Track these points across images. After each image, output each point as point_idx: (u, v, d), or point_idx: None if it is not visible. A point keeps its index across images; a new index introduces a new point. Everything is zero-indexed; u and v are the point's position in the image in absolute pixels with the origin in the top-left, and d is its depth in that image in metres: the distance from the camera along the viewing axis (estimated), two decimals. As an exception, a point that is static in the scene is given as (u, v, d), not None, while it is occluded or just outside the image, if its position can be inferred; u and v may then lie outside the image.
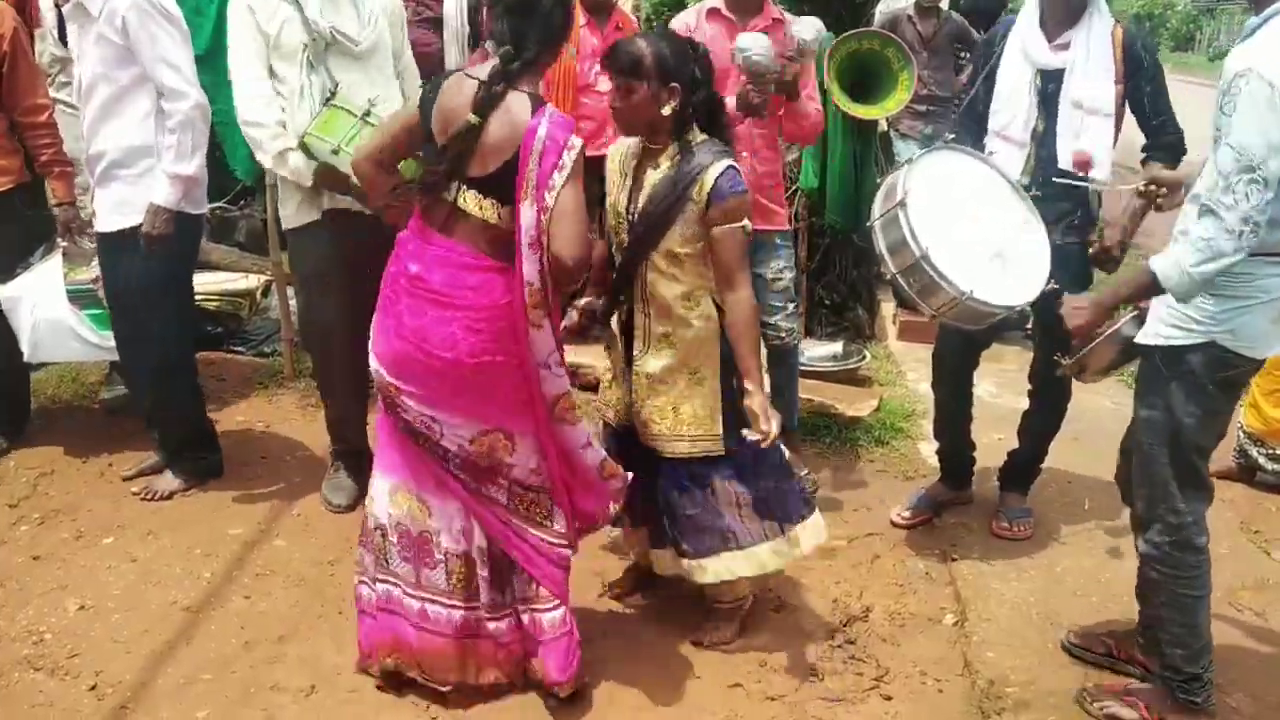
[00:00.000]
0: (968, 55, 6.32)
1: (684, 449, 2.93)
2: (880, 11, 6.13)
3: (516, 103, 2.53)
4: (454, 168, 2.57)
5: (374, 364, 2.76)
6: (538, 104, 2.54)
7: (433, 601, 2.85)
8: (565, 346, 2.78)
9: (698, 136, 2.79)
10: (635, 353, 2.95)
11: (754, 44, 3.33)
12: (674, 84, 2.70)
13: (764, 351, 4.13)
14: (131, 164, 3.57)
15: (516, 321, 2.59)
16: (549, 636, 2.83)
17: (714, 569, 2.99)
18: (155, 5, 3.46)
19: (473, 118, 2.51)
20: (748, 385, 2.77)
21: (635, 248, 2.83)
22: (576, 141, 2.53)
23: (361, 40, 3.47)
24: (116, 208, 3.60)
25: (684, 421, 2.91)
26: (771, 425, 2.73)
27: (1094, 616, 3.37)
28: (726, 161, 2.73)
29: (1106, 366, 2.97)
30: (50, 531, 3.71)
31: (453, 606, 2.84)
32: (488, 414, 2.68)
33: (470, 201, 2.58)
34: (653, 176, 2.79)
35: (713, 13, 3.74)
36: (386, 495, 2.85)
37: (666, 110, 2.72)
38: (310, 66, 3.40)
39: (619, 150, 2.94)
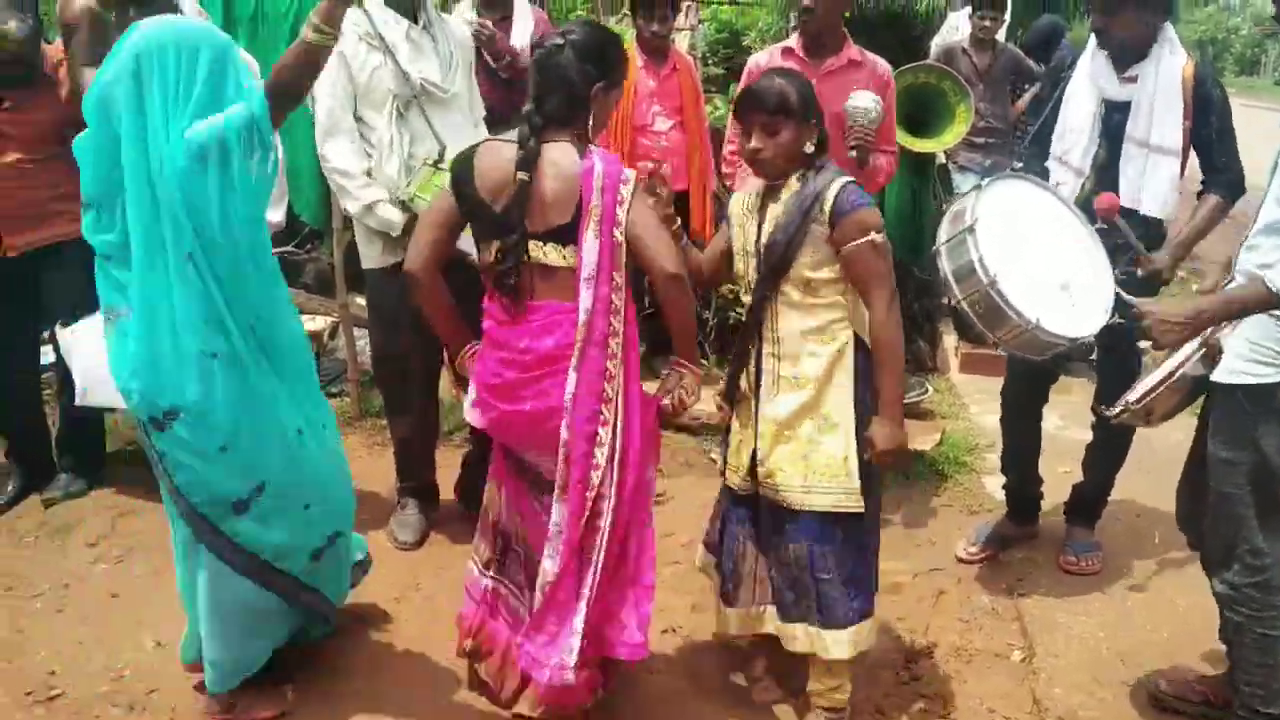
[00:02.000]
0: (1025, 86, 6.31)
1: (818, 502, 2.75)
2: (935, 44, 6.15)
3: (560, 152, 2.57)
4: (520, 228, 2.57)
5: (481, 425, 2.80)
6: (582, 148, 2.59)
7: (515, 596, 2.89)
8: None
9: (828, 165, 2.77)
10: (762, 397, 2.83)
11: (858, 100, 3.56)
12: (813, 120, 2.72)
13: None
14: None
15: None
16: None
17: (851, 641, 2.79)
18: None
19: (522, 175, 2.54)
20: (883, 413, 2.69)
21: (766, 280, 2.76)
22: (630, 174, 2.59)
23: (449, 88, 3.56)
24: None
25: (816, 471, 2.75)
26: (888, 454, 2.68)
27: (1166, 653, 3.32)
28: (845, 178, 2.69)
29: (1173, 409, 2.92)
30: (128, 570, 3.81)
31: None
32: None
33: (553, 254, 2.59)
34: (775, 209, 2.76)
35: (788, 52, 3.76)
36: (499, 497, 2.91)
37: (809, 148, 2.73)
38: (399, 116, 3.49)
39: (740, 198, 2.91)
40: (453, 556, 3.87)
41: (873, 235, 2.63)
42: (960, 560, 3.88)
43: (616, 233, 2.54)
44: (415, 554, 3.90)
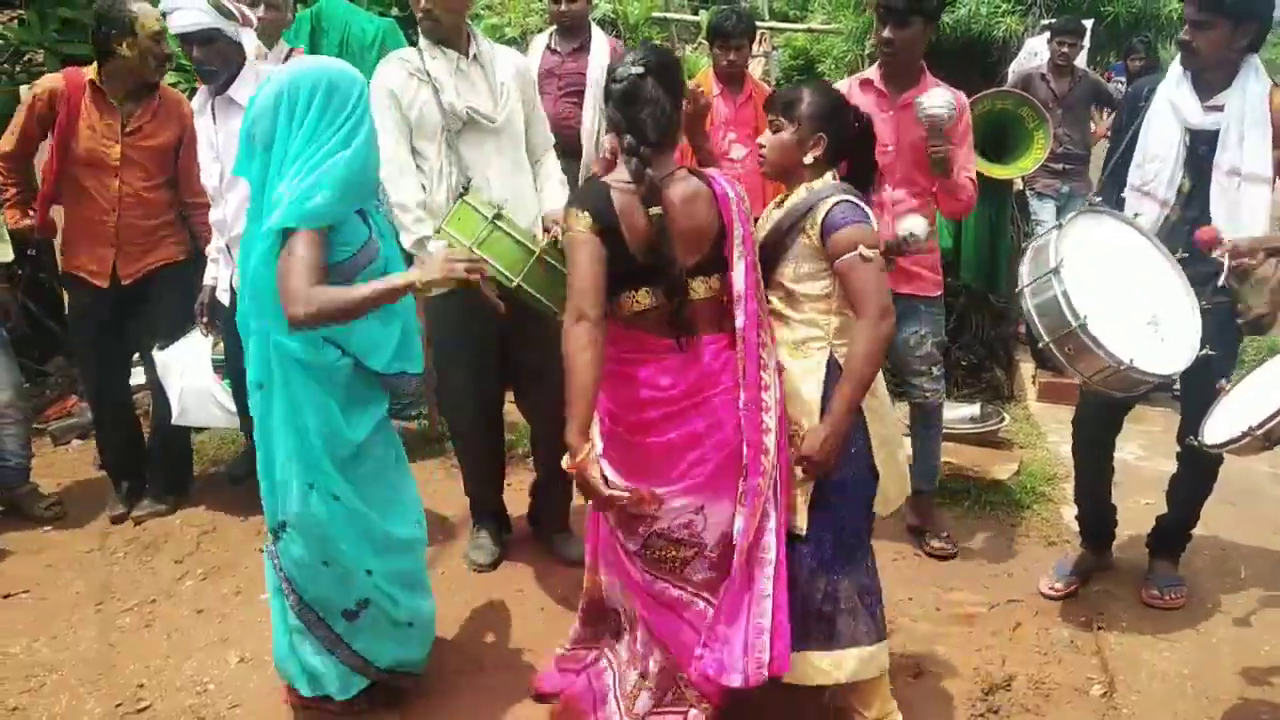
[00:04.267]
0: (1106, 111, 6.24)
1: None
2: (1013, 70, 6.10)
3: (690, 183, 2.63)
4: (679, 262, 2.59)
5: (625, 486, 2.67)
6: (699, 174, 2.65)
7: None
8: None
9: (829, 182, 2.77)
10: None
11: (930, 99, 3.50)
12: (820, 134, 2.75)
13: (906, 409, 4.13)
14: None
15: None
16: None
17: (798, 668, 2.75)
18: None
19: (655, 210, 2.54)
20: (826, 419, 2.67)
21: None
22: (741, 189, 2.68)
23: (497, 117, 3.61)
24: None
25: None
26: (814, 456, 2.64)
27: (1255, 694, 3.23)
28: (841, 195, 2.70)
29: None
30: (212, 587, 3.91)
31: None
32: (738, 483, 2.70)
33: (700, 288, 2.66)
34: (774, 213, 2.83)
35: (865, 83, 3.76)
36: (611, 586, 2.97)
37: (808, 159, 2.76)
38: (449, 147, 3.57)
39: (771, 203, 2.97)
40: (526, 578, 3.92)
41: (861, 249, 2.64)
42: (1047, 596, 3.79)
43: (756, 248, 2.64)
44: (490, 575, 3.95)
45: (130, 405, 4.59)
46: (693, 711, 2.79)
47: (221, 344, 4.24)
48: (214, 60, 3.70)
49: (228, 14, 3.59)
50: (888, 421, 2.83)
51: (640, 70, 2.60)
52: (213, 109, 3.81)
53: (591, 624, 3.11)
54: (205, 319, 4.18)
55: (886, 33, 3.59)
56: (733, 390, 2.65)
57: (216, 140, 3.81)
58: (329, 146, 2.59)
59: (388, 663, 3.04)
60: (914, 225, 3.39)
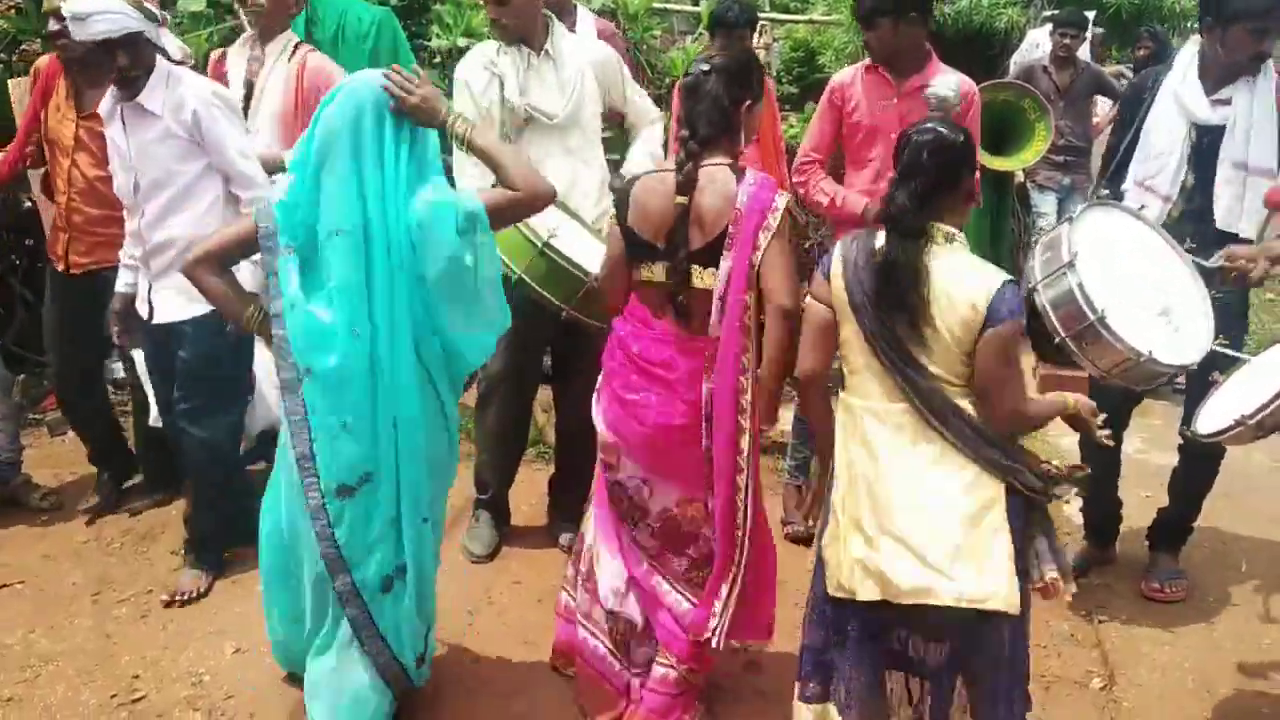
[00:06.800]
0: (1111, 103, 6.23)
1: None
2: (1015, 62, 6.09)
3: (719, 174, 2.66)
4: (685, 249, 2.68)
5: (600, 425, 2.92)
6: (737, 172, 2.67)
7: (594, 636, 3.03)
8: None
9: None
10: None
11: (937, 84, 3.50)
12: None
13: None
14: None
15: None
16: (651, 688, 2.92)
17: None
18: (220, 97, 3.60)
19: (680, 199, 2.64)
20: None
21: None
22: (780, 201, 2.64)
23: (557, 114, 3.65)
24: (185, 295, 3.47)
25: None
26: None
27: (1255, 686, 3.23)
28: (839, 242, 2.66)
29: None
30: (209, 578, 3.89)
31: (609, 651, 3.01)
32: (697, 480, 2.79)
33: (694, 275, 2.69)
34: None
35: (871, 69, 3.74)
36: (593, 524, 3.06)
37: None
38: (510, 141, 3.61)
39: None
40: (524, 570, 3.91)
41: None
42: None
43: (755, 255, 2.61)
44: (487, 566, 3.93)
45: (101, 401, 4.55)
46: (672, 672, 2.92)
47: None
48: (139, 65, 3.50)
49: (150, 16, 3.48)
50: (848, 508, 2.57)
51: (706, 68, 2.70)
52: (122, 116, 3.58)
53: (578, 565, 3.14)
54: (119, 328, 3.89)
55: (866, 36, 3.66)
56: (699, 388, 2.71)
57: (128, 149, 3.58)
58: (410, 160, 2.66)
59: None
60: (939, 86, 3.42)
